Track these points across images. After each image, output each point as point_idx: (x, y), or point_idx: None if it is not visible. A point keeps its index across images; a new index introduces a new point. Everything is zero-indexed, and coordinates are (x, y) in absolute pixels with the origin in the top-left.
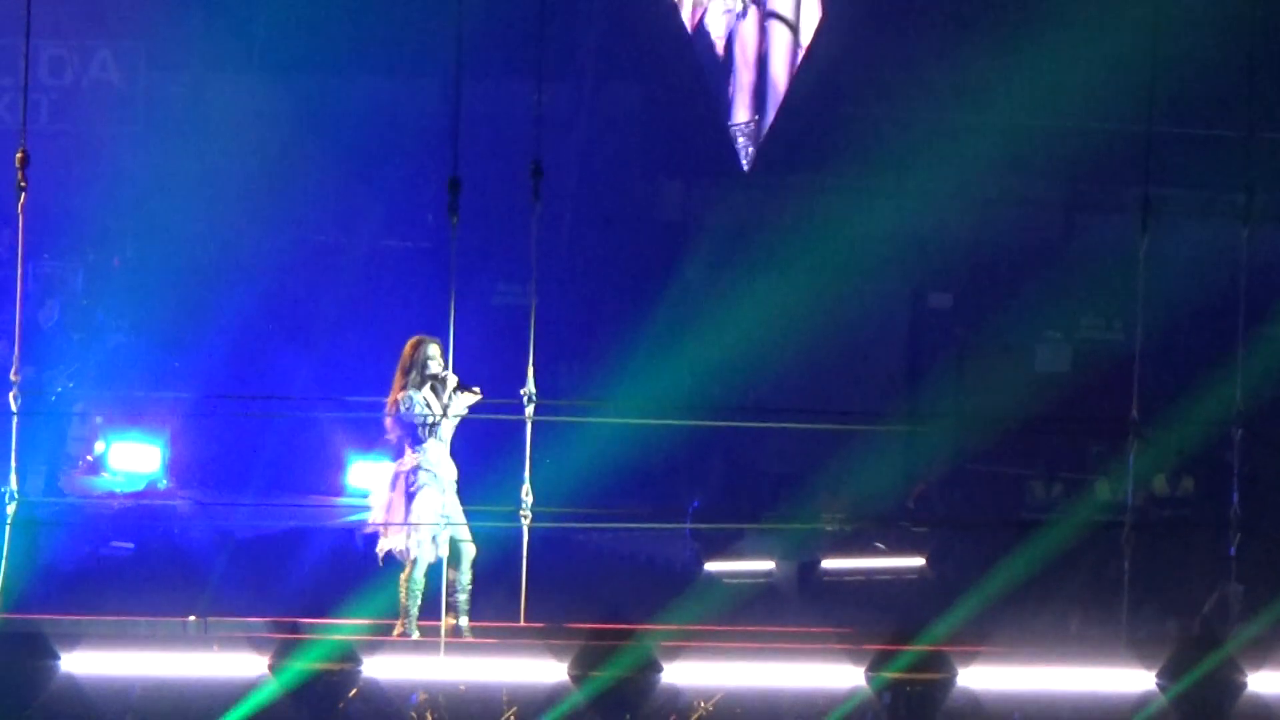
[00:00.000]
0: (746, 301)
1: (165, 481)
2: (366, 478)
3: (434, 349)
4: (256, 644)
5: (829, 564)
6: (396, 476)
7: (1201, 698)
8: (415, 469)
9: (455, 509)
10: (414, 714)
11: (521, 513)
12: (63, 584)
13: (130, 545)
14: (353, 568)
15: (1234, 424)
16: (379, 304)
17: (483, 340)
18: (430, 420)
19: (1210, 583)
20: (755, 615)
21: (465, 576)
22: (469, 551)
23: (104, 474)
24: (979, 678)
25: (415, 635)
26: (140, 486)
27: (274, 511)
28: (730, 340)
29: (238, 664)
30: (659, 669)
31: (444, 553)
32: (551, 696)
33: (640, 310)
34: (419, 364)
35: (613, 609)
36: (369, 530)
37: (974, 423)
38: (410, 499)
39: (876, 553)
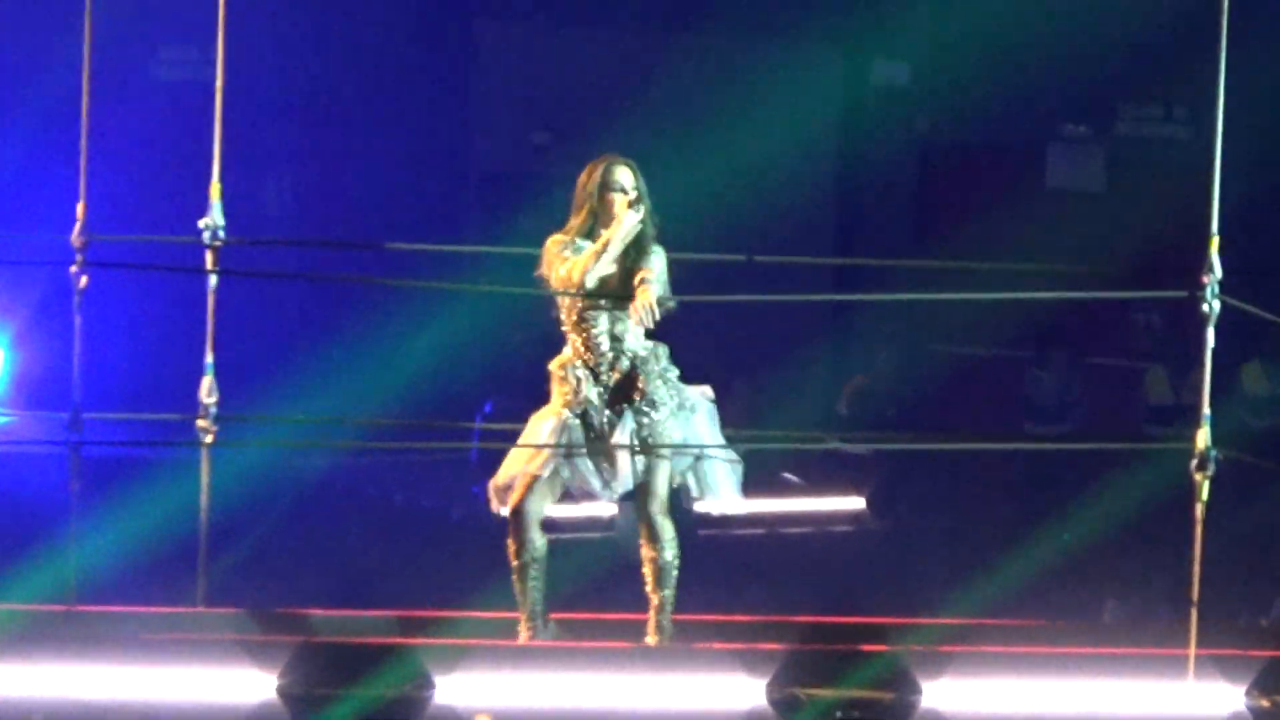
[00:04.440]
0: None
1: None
2: None
3: (623, 171)
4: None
5: (706, 508)
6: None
7: None
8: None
9: (657, 430)
10: None
11: (200, 424)
12: None
13: None
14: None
15: None
16: None
17: (146, 134)
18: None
19: None
20: (587, 592)
21: (668, 552)
22: (661, 528)
23: None
24: (955, 697)
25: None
26: None
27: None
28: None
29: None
30: (431, 686)
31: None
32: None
33: (374, 87)
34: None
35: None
36: None
37: (942, 276)
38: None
39: (787, 490)
